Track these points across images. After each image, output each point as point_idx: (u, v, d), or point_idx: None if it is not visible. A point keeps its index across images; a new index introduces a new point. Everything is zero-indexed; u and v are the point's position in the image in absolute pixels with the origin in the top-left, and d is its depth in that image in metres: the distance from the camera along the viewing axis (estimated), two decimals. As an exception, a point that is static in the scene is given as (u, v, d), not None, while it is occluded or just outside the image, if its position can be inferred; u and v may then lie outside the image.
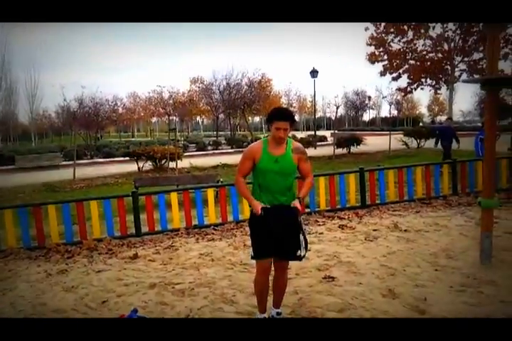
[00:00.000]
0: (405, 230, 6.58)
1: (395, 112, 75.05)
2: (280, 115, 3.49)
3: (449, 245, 5.78)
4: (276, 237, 3.51)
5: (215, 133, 43.70)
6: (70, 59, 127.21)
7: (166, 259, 5.84)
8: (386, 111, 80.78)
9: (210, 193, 7.55)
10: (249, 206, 3.65)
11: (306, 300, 4.18)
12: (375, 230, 6.66)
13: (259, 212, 3.44)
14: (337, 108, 25.97)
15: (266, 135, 4.23)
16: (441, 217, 7.33)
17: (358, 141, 21.87)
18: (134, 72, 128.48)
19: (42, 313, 4.31)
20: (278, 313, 3.79)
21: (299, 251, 3.58)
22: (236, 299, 4.35)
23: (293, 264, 4.34)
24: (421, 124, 63.74)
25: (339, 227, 6.93)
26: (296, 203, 3.51)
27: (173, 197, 7.39)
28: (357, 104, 72.93)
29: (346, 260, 5.33)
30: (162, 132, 70.50)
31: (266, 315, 3.77)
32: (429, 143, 23.94)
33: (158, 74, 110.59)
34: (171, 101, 46.43)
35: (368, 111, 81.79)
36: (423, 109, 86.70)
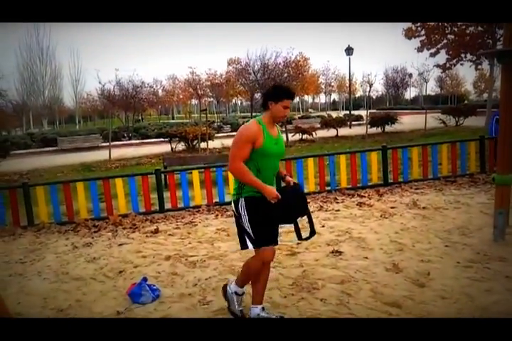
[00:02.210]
0: (424, 207, 6.56)
1: (438, 90, 72.81)
2: (290, 93, 3.30)
3: (465, 222, 5.74)
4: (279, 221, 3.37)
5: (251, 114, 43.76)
6: (109, 44, 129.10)
7: (184, 234, 6.08)
8: (429, 89, 78.23)
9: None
10: (239, 192, 3.29)
11: (310, 273, 4.30)
12: (392, 207, 6.67)
13: (277, 196, 3.18)
14: (370, 86, 25.37)
15: (256, 115, 3.68)
16: (464, 195, 7.24)
17: (393, 120, 21.46)
18: (172, 56, 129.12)
19: (63, 281, 4.63)
20: (263, 309, 3.40)
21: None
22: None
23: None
24: (466, 102, 61.54)
25: (357, 205, 6.97)
26: (292, 179, 3.52)
27: (195, 175, 7.61)
28: (397, 81, 70.93)
29: (357, 236, 5.40)
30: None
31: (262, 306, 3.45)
32: (468, 121, 23.30)
33: (195, 57, 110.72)
34: (208, 83, 46.74)
35: (408, 89, 79.42)
36: (469, 86, 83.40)
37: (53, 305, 4.03)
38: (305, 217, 3.45)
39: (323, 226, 5.87)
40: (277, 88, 3.34)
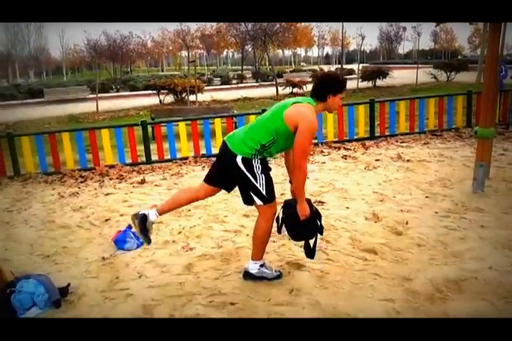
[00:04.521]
0: (408, 160, 6.65)
1: (433, 45, 71.58)
2: (346, 83, 3.24)
3: (447, 175, 5.85)
4: None
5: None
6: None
7: (171, 184, 6.14)
8: (424, 43, 76.89)
9: (218, 123, 7.69)
10: (257, 154, 3.12)
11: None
12: (377, 160, 6.76)
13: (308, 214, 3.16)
14: (362, 39, 24.87)
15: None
16: (449, 149, 7.33)
17: (384, 74, 21.23)
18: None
19: (49, 229, 4.71)
20: (262, 265, 3.37)
21: None
22: (227, 219, 4.63)
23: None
24: (459, 57, 60.73)
25: (342, 157, 7.05)
26: None
27: (182, 127, 7.57)
28: (391, 35, 69.47)
29: (340, 187, 5.50)
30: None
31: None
32: (460, 77, 23.13)
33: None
34: (198, 34, 45.47)
35: (402, 43, 78.07)
36: (464, 41, 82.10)
37: (40, 252, 4.12)
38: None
39: (308, 178, 5.92)
40: (337, 80, 3.17)
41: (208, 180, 3.38)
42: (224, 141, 3.22)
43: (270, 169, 3.28)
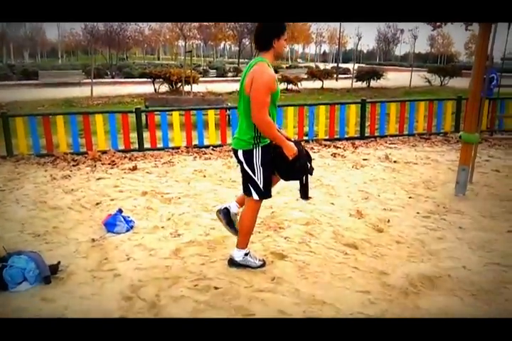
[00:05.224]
0: (395, 161, 6.81)
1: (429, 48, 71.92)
2: (284, 25, 3.16)
3: (432, 177, 6.02)
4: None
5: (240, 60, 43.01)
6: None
7: (162, 172, 6.25)
8: (421, 47, 77.18)
9: (211, 115, 7.80)
10: (256, 142, 3.14)
11: (278, 214, 4.55)
12: (365, 159, 6.92)
13: (296, 152, 3.15)
14: (359, 39, 25.00)
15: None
16: (436, 152, 7.51)
17: (378, 75, 21.41)
18: None
19: (41, 209, 4.80)
20: (247, 254, 3.46)
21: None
22: (215, 209, 4.74)
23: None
24: (455, 62, 61.11)
25: (331, 155, 7.20)
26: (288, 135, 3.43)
27: (175, 117, 7.67)
28: (388, 37, 69.75)
29: (327, 183, 5.65)
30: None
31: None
32: (453, 82, 23.38)
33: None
34: (196, 24, 45.23)
35: (399, 45, 78.35)
36: (461, 47, 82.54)
37: (31, 231, 4.22)
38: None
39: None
40: (275, 24, 3.13)
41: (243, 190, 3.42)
42: (232, 147, 3.32)
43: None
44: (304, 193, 3.45)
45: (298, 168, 3.25)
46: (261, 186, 3.22)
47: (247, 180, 3.26)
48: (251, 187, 3.26)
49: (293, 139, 3.32)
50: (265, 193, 3.28)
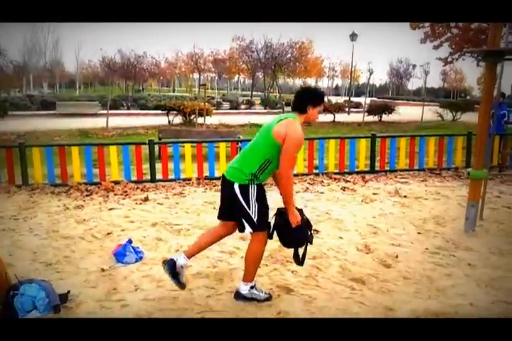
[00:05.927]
0: (405, 196, 6.83)
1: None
2: (323, 96, 3.48)
3: (442, 213, 6.01)
4: None
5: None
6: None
7: (172, 204, 6.34)
8: (434, 82, 77.85)
9: (222, 147, 7.95)
10: (253, 179, 3.26)
11: (284, 248, 4.56)
12: (375, 194, 6.94)
13: (300, 221, 3.32)
14: (370, 74, 25.48)
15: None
16: (446, 187, 7.51)
17: (390, 110, 21.64)
18: (178, 32, 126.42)
19: (53, 238, 4.89)
20: (253, 287, 3.49)
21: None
22: (223, 241, 4.73)
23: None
24: (467, 97, 61.52)
25: (341, 189, 7.24)
26: None
27: (187, 149, 7.83)
28: (400, 72, 70.74)
29: (336, 217, 5.68)
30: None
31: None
32: (466, 117, 23.49)
33: (200, 34, 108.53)
34: (211, 58, 46.43)
35: (411, 80, 79.19)
36: (473, 82, 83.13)
37: (43, 259, 4.29)
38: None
39: (305, 207, 6.11)
40: (316, 92, 3.43)
41: (220, 216, 3.53)
42: (223, 175, 3.41)
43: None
44: (301, 260, 3.49)
45: (299, 236, 3.39)
46: (255, 220, 3.29)
47: (240, 213, 3.31)
48: (244, 221, 3.32)
49: (298, 207, 3.40)
50: (259, 227, 3.32)
